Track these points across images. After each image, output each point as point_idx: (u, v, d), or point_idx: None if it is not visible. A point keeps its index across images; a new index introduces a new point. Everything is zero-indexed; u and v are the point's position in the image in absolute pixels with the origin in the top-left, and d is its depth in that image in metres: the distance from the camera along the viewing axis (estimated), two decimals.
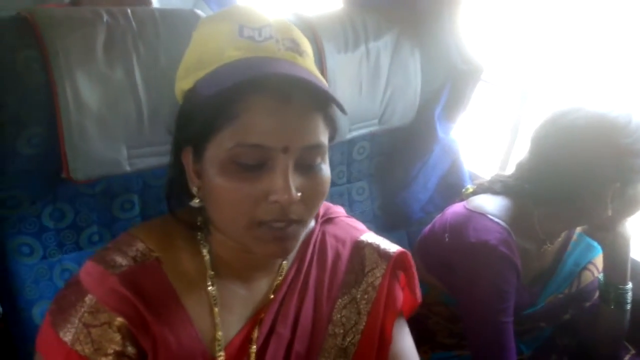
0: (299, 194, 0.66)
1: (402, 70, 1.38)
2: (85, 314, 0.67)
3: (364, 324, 0.80)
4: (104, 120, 0.94)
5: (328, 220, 0.89)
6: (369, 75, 1.32)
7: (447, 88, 1.46)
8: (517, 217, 1.12)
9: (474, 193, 1.23)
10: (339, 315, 0.81)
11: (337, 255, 0.84)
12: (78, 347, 0.66)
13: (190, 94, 0.71)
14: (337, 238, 0.86)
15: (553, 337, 1.30)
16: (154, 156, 1.00)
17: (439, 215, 1.24)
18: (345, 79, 1.28)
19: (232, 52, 0.68)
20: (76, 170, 0.94)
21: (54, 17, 0.90)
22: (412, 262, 0.86)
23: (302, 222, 0.70)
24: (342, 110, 0.70)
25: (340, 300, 0.82)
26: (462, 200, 1.24)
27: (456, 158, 1.53)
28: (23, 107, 0.89)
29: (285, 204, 0.66)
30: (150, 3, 1.44)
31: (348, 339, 0.80)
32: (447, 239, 1.15)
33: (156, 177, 1.07)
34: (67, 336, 0.67)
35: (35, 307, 1.00)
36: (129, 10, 0.97)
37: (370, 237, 0.88)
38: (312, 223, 0.87)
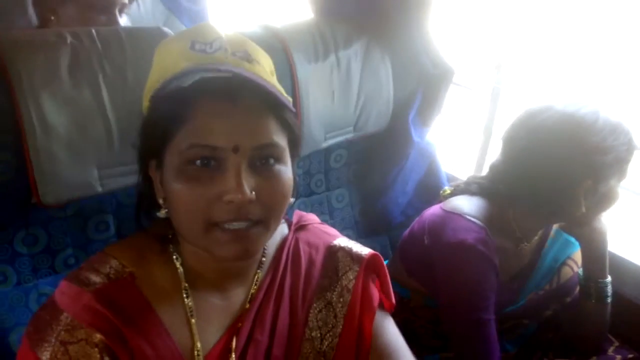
0: (253, 194, 0.67)
1: (374, 77, 1.38)
2: (62, 332, 0.67)
3: (341, 327, 0.81)
4: (73, 142, 0.93)
5: (301, 227, 0.90)
6: (340, 84, 1.33)
7: (419, 92, 1.47)
8: (494, 217, 1.13)
9: (451, 195, 1.24)
10: (315, 320, 0.81)
11: (311, 261, 0.85)
12: None
13: (148, 108, 0.74)
14: (310, 244, 0.87)
15: (537, 334, 1.31)
16: (126, 175, 0.99)
17: (417, 219, 1.25)
18: (317, 89, 1.29)
19: (182, 63, 0.70)
20: (46, 195, 0.92)
21: (15, 40, 0.89)
22: (384, 265, 0.87)
23: (263, 223, 0.71)
24: (292, 110, 0.73)
25: (315, 304, 0.82)
26: (440, 202, 1.24)
27: (433, 161, 1.54)
28: None
29: (239, 204, 0.67)
30: (118, 23, 1.44)
31: (326, 343, 0.80)
32: (426, 241, 1.16)
33: (130, 196, 1.06)
34: (44, 355, 0.67)
35: (12, 334, 0.98)
36: (93, 31, 0.96)
37: (342, 241, 0.89)
38: (286, 231, 0.89)
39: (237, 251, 0.70)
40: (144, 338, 0.70)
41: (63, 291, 0.71)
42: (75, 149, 0.93)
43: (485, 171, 1.25)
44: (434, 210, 1.20)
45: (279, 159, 0.72)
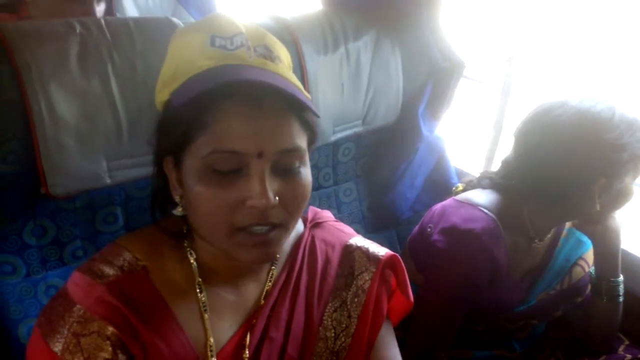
0: (277, 198, 0.67)
1: (384, 70, 1.37)
2: (75, 324, 0.67)
3: (354, 327, 0.81)
4: (82, 134, 0.92)
5: (316, 225, 0.89)
6: (350, 76, 1.32)
7: (429, 86, 1.46)
8: (507, 212, 1.12)
9: (464, 191, 1.23)
10: (329, 319, 0.81)
11: (327, 260, 0.85)
12: (68, 357, 0.66)
13: (166, 106, 0.72)
14: (326, 242, 0.87)
15: (546, 333, 1.30)
16: (135, 167, 0.98)
17: (426, 214, 1.24)
18: (326, 81, 1.27)
19: (203, 61, 0.68)
20: (55, 186, 0.92)
21: (23, 30, 0.88)
22: (402, 264, 0.86)
23: (284, 226, 0.70)
24: (315, 114, 0.71)
25: (330, 304, 0.82)
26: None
27: (442, 155, 1.53)
28: None
29: (263, 209, 0.66)
30: (94, 14, 1.42)
31: (339, 343, 0.80)
32: (429, 229, 1.15)
33: (139, 189, 1.05)
34: (56, 346, 0.67)
35: (21, 326, 0.98)
36: (102, 21, 0.95)
37: (359, 240, 0.88)
38: (301, 228, 0.88)
39: (259, 255, 0.70)
40: (157, 332, 0.70)
41: (76, 283, 0.71)
42: (84, 140, 0.93)
43: (495, 167, 1.24)
44: (445, 202, 1.19)
45: (301, 162, 0.71)
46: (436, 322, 1.11)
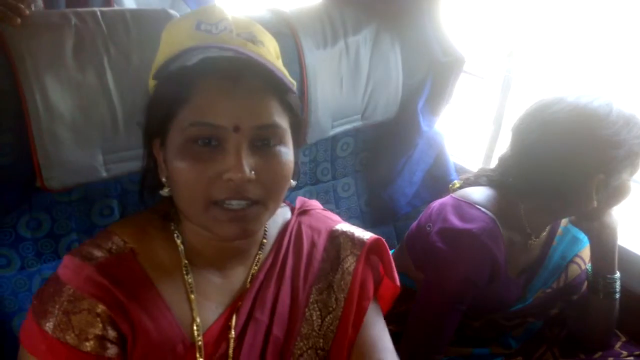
0: (253, 173, 0.68)
1: (383, 65, 1.36)
2: (65, 303, 0.69)
3: (341, 310, 0.82)
4: (77, 126, 0.92)
5: (304, 212, 0.91)
6: (349, 71, 1.31)
7: (429, 81, 1.45)
8: (504, 209, 1.11)
9: (460, 188, 1.22)
10: (315, 302, 0.82)
11: (313, 245, 0.86)
12: (59, 335, 0.68)
13: (153, 87, 0.75)
14: (312, 228, 0.88)
15: (542, 329, 1.30)
16: (131, 160, 0.98)
17: (424, 211, 1.23)
18: (325, 75, 1.27)
19: (187, 43, 0.70)
20: (51, 179, 0.92)
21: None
22: (387, 248, 0.88)
23: (262, 204, 0.71)
24: (290, 89, 0.73)
25: (316, 287, 0.83)
26: (448, 195, 1.22)
27: (441, 151, 1.52)
28: None
29: (239, 182, 0.67)
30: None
31: (326, 325, 0.82)
32: (428, 228, 1.14)
33: (134, 182, 1.05)
34: (47, 326, 0.68)
35: (16, 319, 0.98)
36: (98, 12, 0.95)
37: (345, 226, 0.90)
38: (289, 215, 0.90)
39: (236, 230, 0.71)
40: (144, 311, 0.72)
41: (66, 265, 0.73)
42: (80, 132, 0.92)
43: (494, 163, 1.23)
44: (443, 199, 1.19)
45: (279, 140, 0.72)
46: (434, 323, 1.10)
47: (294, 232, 0.87)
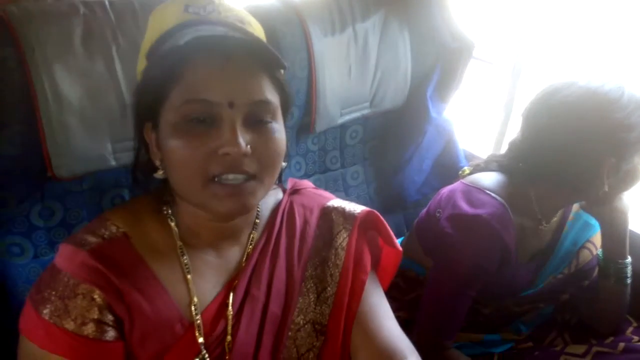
0: (249, 147, 0.68)
1: (392, 52, 1.35)
2: (61, 289, 0.70)
3: (336, 285, 0.83)
4: (86, 115, 0.92)
5: (295, 191, 0.92)
6: (357, 58, 1.30)
7: (438, 67, 1.44)
8: (514, 194, 1.11)
9: (470, 174, 1.21)
10: (311, 277, 0.84)
11: (306, 222, 0.87)
12: (56, 320, 0.68)
13: (143, 70, 0.74)
14: (304, 206, 0.89)
15: (553, 315, 1.29)
16: None
17: (434, 197, 1.23)
18: (334, 63, 1.26)
19: (175, 23, 0.70)
20: (60, 168, 0.93)
21: (28, 12, 0.88)
22: (381, 218, 0.88)
23: (258, 178, 0.72)
24: (282, 65, 0.73)
25: (311, 262, 0.84)
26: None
27: (450, 138, 1.51)
28: (1, 107, 0.87)
29: (235, 156, 0.68)
30: None
31: (322, 299, 0.83)
32: (438, 214, 1.14)
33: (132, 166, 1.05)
34: (45, 313, 0.69)
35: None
36: (106, 2, 0.95)
37: (336, 202, 0.90)
38: (281, 195, 0.90)
39: (235, 205, 0.71)
40: (140, 293, 0.72)
41: (61, 253, 0.73)
42: (89, 121, 0.93)
43: (504, 150, 1.22)
44: (452, 185, 1.18)
45: (272, 117, 0.73)
46: (445, 309, 1.10)
47: (286, 211, 0.87)
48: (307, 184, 0.96)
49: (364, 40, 1.30)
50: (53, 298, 0.69)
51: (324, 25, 1.24)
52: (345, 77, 1.30)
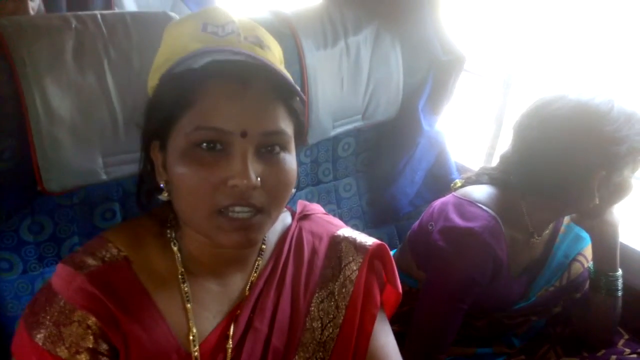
0: (259, 180, 0.66)
1: (384, 64, 1.36)
2: (56, 314, 0.68)
3: (342, 317, 0.80)
4: (77, 129, 0.92)
5: (305, 217, 0.89)
6: (349, 71, 1.31)
7: (430, 80, 1.45)
8: (506, 207, 1.11)
9: (462, 187, 1.22)
10: (316, 310, 0.80)
11: (314, 251, 0.84)
12: (50, 347, 0.67)
13: (155, 88, 0.73)
14: (313, 234, 0.86)
15: (545, 328, 1.29)
16: (131, 163, 0.98)
17: (426, 210, 1.23)
18: (326, 76, 1.27)
19: (193, 45, 0.68)
20: (50, 182, 0.92)
21: (19, 25, 0.88)
22: (390, 254, 0.85)
23: (266, 212, 0.70)
24: (302, 98, 0.71)
25: (317, 294, 0.81)
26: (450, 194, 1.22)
27: (442, 150, 1.52)
28: None
29: (244, 189, 0.66)
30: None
31: (327, 333, 0.79)
32: (430, 227, 1.14)
33: (136, 185, 1.05)
34: (38, 338, 0.67)
35: (18, 323, 0.97)
36: (98, 15, 0.95)
37: (347, 231, 0.88)
38: (289, 220, 0.88)
39: (240, 239, 0.69)
40: (137, 322, 0.70)
41: (58, 274, 0.71)
42: (80, 135, 0.92)
43: (495, 161, 1.23)
44: (444, 198, 1.19)
45: (285, 147, 0.71)
46: (437, 323, 1.10)
47: (294, 238, 0.85)
48: (317, 208, 0.93)
49: (356, 53, 1.31)
50: (47, 323, 0.67)
51: (316, 38, 1.24)
52: (338, 89, 1.30)
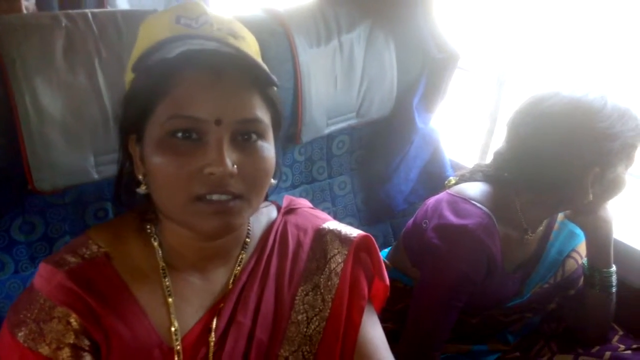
0: (235, 167, 0.66)
1: (378, 62, 1.36)
2: (36, 311, 0.68)
3: (328, 311, 0.79)
4: (68, 128, 0.91)
5: (290, 210, 0.89)
6: (343, 69, 1.31)
7: (424, 77, 1.45)
8: (500, 204, 1.11)
9: (456, 184, 1.22)
10: (301, 303, 0.80)
11: (299, 244, 0.84)
12: (31, 344, 0.67)
13: (131, 82, 0.72)
14: (298, 227, 0.86)
15: (540, 324, 1.29)
16: None
17: (420, 207, 1.23)
18: (319, 74, 1.26)
19: (166, 35, 0.68)
20: (41, 181, 0.91)
21: (9, 24, 0.87)
22: (376, 246, 0.85)
23: (244, 198, 0.69)
24: (273, 83, 0.71)
25: (302, 287, 0.81)
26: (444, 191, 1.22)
27: (436, 147, 1.52)
28: None
29: (220, 176, 0.65)
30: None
31: (312, 327, 0.79)
32: (424, 225, 1.14)
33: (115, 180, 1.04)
34: (20, 335, 0.67)
35: None
36: (89, 13, 0.94)
37: (332, 224, 0.87)
38: (275, 214, 0.88)
39: (219, 224, 0.68)
40: (119, 318, 0.70)
41: (40, 272, 0.71)
42: (71, 134, 0.92)
43: (489, 159, 1.23)
44: (438, 196, 1.18)
45: (261, 135, 0.71)
46: (432, 321, 1.10)
47: (279, 232, 0.84)
48: (304, 203, 0.92)
49: (349, 51, 1.31)
50: (28, 321, 0.67)
51: (310, 36, 1.24)
52: (331, 87, 1.30)
